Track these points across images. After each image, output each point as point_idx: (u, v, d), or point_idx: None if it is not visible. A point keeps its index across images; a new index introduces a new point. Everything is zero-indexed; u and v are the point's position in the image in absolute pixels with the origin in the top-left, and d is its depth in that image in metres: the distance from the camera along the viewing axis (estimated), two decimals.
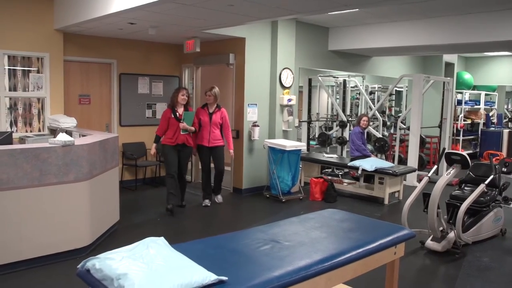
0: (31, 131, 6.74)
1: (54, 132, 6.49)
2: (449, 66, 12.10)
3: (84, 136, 5.48)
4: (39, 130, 6.82)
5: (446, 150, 5.25)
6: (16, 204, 4.08)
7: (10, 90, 6.52)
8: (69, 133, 5.85)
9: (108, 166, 5.15)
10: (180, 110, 6.27)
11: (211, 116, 6.51)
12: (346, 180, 8.17)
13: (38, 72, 6.72)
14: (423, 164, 9.17)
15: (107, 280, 2.08)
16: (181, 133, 6.18)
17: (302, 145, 7.51)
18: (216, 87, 6.58)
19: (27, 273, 4.14)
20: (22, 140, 6.22)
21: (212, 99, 6.52)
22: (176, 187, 6.32)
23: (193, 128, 6.33)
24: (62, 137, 4.38)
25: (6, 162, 3.98)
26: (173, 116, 6.23)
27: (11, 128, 6.55)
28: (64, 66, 6.98)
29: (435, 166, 5.43)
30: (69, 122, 6.48)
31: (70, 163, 4.37)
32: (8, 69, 6.48)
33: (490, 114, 13.34)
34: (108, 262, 2.14)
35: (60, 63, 6.87)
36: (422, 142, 9.28)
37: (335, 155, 8.64)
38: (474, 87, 13.51)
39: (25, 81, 6.64)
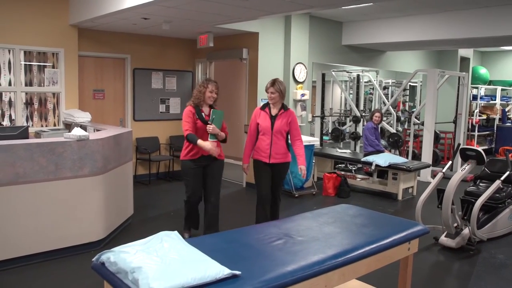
0: (46, 126, 6.81)
1: (69, 126, 6.55)
2: (465, 60, 11.95)
3: (99, 130, 5.52)
4: (54, 125, 6.89)
5: (461, 146, 5.20)
6: (32, 198, 4.13)
7: (26, 85, 6.60)
8: (83, 127, 5.91)
9: (122, 161, 5.19)
10: (206, 110, 4.65)
11: (274, 120, 4.69)
12: (359, 176, 8.13)
13: (53, 67, 6.79)
14: (437, 160, 9.10)
15: (121, 273, 2.10)
16: (209, 139, 4.47)
17: (315, 140, 7.49)
18: (279, 80, 4.77)
19: (43, 265, 4.19)
20: (37, 135, 6.29)
21: (277, 98, 4.67)
22: (196, 221, 4.92)
23: (223, 134, 4.59)
24: (77, 132, 4.42)
25: (23, 156, 4.03)
26: (197, 117, 4.55)
27: (27, 123, 6.63)
28: (79, 61, 7.04)
29: (450, 162, 5.38)
30: (84, 116, 6.54)
31: (85, 157, 4.41)
32: (24, 64, 6.55)
33: (506, 109, 13.17)
34: (122, 256, 2.16)
35: (75, 58, 6.92)
36: (437, 137, 9.21)
37: (348, 151, 8.60)
38: (490, 82, 13.33)
39: (40, 76, 6.71)
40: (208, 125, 4.43)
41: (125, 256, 2.14)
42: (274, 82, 4.70)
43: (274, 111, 4.73)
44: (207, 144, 4.40)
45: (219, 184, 4.82)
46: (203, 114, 4.59)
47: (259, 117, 4.76)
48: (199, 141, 4.40)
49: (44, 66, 6.72)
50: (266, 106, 4.77)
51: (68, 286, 3.84)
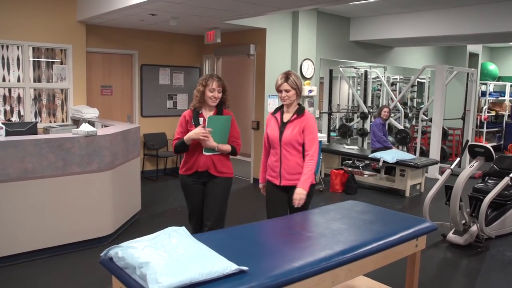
0: (54, 122, 6.85)
1: (77, 122, 6.59)
2: (473, 56, 11.86)
3: (106, 126, 5.55)
4: (63, 121, 6.92)
5: (470, 143, 5.17)
6: (40, 193, 4.16)
7: (34, 81, 6.63)
8: (91, 123, 5.93)
9: (130, 157, 5.21)
10: (212, 113, 3.66)
11: (283, 128, 3.54)
12: (366, 172, 8.10)
13: (61, 63, 6.82)
14: (445, 157, 9.05)
15: (129, 268, 2.11)
16: (204, 153, 3.59)
17: (322, 137, 7.46)
18: (293, 72, 3.55)
19: (51, 260, 4.23)
20: (46, 131, 6.33)
21: (293, 97, 3.49)
22: None
23: (227, 147, 3.63)
24: (85, 128, 4.44)
25: (31, 152, 4.06)
26: (193, 122, 3.61)
27: (35, 119, 6.66)
28: (87, 58, 7.07)
29: (458, 159, 5.35)
30: (92, 112, 6.56)
31: (93, 153, 4.43)
32: (33, 60, 6.58)
33: None
34: (130, 251, 2.16)
35: (83, 54, 6.95)
36: (445, 134, 9.15)
37: (355, 147, 8.57)
38: (499, 78, 13.23)
39: (49, 73, 6.74)
40: (201, 133, 3.44)
41: (133, 252, 2.15)
42: (287, 75, 3.48)
43: (286, 117, 3.57)
44: (194, 131, 3.47)
45: (221, 207, 3.73)
46: (201, 119, 3.61)
47: (268, 125, 3.67)
48: (185, 136, 3.52)
49: (53, 62, 6.75)
50: (278, 109, 3.64)
51: (76, 281, 3.86)
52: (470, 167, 4.92)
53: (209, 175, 3.65)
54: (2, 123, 4.70)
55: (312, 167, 3.47)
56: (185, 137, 3.51)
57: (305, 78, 7.81)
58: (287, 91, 3.46)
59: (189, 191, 3.73)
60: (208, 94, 3.55)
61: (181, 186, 3.79)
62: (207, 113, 3.63)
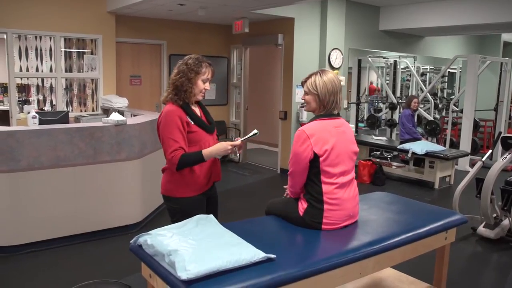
0: (85, 111, 6.98)
1: (107, 112, 6.69)
2: (508, 45, 11.53)
3: (135, 116, 5.62)
4: (93, 110, 7.05)
5: (502, 134, 5.03)
6: (72, 181, 4.26)
7: (66, 71, 6.76)
8: (121, 113, 6.02)
9: (158, 146, 5.25)
10: (198, 110, 2.79)
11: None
12: (395, 163, 8.01)
13: (91, 53, 6.93)
14: (476, 149, 8.85)
15: (158, 255, 2.14)
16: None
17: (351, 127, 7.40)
18: (317, 75, 2.87)
19: (82, 246, 4.33)
20: (77, 120, 6.46)
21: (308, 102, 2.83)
22: None
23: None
24: (115, 117, 4.51)
25: (63, 140, 4.15)
26: (193, 122, 2.68)
27: (67, 108, 6.81)
28: (116, 48, 7.16)
29: (490, 151, 5.23)
30: (121, 102, 6.66)
31: (122, 142, 4.50)
32: (64, 51, 6.71)
33: None
34: (159, 238, 2.20)
35: (113, 44, 7.04)
36: (476, 125, 8.95)
37: (384, 138, 8.47)
38: None
39: (79, 63, 6.87)
40: (230, 149, 2.64)
41: (161, 239, 2.18)
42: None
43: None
44: (222, 146, 2.64)
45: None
46: (196, 114, 2.74)
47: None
48: (205, 151, 2.63)
49: (83, 53, 6.87)
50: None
51: (106, 267, 3.95)
52: (502, 159, 4.80)
53: (214, 185, 2.96)
54: (36, 112, 4.81)
55: None
56: (205, 153, 2.62)
57: (333, 68, 7.74)
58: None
59: (201, 212, 2.75)
60: (200, 86, 2.71)
61: (188, 209, 2.74)
62: (197, 109, 2.80)
